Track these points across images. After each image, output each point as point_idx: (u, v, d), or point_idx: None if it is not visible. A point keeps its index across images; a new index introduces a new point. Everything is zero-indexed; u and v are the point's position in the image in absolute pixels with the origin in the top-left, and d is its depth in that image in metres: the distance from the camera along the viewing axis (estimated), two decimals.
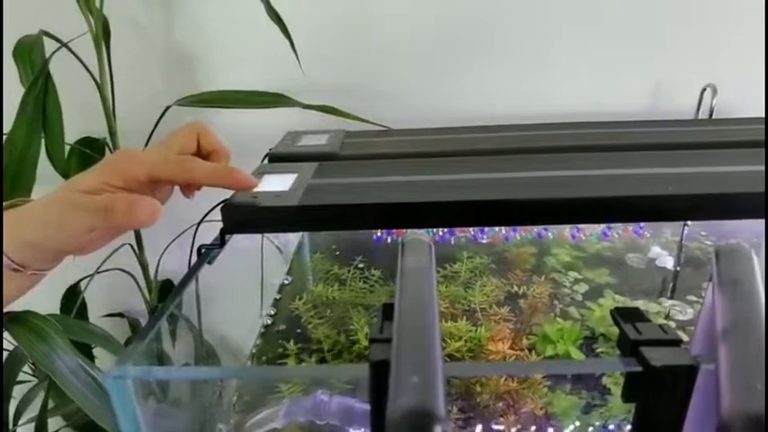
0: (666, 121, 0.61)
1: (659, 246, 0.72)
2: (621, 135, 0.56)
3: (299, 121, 0.67)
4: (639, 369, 0.25)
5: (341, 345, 0.56)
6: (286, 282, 0.71)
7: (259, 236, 0.63)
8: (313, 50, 0.68)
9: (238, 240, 0.43)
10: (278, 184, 0.42)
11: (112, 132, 0.73)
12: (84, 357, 0.52)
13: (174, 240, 0.75)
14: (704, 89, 0.70)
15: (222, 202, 0.39)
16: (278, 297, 0.67)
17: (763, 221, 0.37)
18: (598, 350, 0.54)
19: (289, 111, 0.68)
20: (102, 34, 0.67)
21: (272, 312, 0.64)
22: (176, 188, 0.42)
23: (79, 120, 0.70)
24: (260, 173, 0.45)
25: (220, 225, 0.40)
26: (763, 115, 0.61)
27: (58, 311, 0.79)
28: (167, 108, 0.69)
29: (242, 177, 0.39)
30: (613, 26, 0.73)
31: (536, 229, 0.77)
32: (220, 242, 0.40)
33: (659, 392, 0.25)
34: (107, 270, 0.76)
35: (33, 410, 0.78)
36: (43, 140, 0.63)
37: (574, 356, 0.52)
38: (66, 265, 0.39)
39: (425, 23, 0.74)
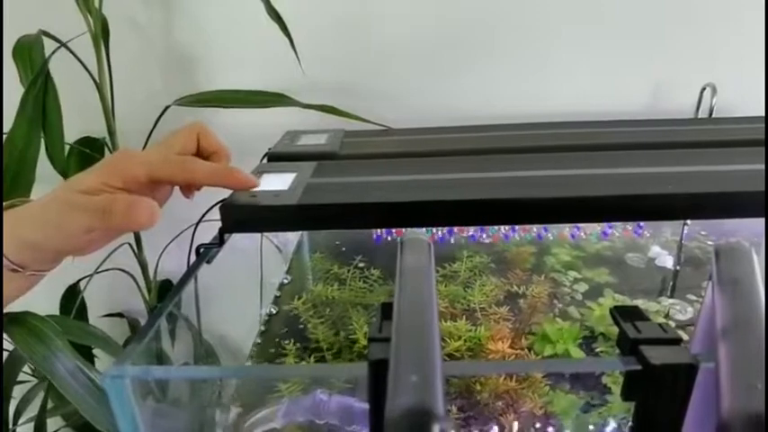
0: (666, 120, 0.61)
1: (659, 245, 0.72)
2: (621, 134, 0.56)
3: (299, 120, 0.67)
4: (639, 368, 0.25)
5: (340, 344, 0.56)
6: (285, 281, 0.71)
7: (258, 235, 0.63)
8: (313, 50, 0.68)
9: (237, 240, 0.43)
10: (277, 183, 0.42)
11: (112, 132, 0.72)
12: (83, 359, 0.52)
13: (173, 240, 0.75)
14: (704, 88, 0.70)
15: (221, 201, 0.39)
16: (277, 296, 0.67)
17: (762, 220, 0.37)
18: (598, 349, 0.54)
19: (288, 110, 0.68)
20: (102, 34, 0.67)
21: (272, 312, 0.64)
22: (176, 189, 0.42)
23: (78, 119, 0.70)
24: (259, 172, 0.45)
25: (219, 224, 0.40)
26: (763, 114, 0.60)
27: (57, 311, 0.79)
28: (167, 108, 0.69)
29: (242, 177, 0.39)
30: (613, 26, 0.73)
31: (536, 228, 0.77)
32: (219, 241, 0.40)
33: (659, 391, 0.25)
34: (106, 270, 0.76)
35: (33, 410, 0.78)
36: (42, 140, 0.63)
37: (573, 356, 0.52)
38: (66, 265, 0.39)
39: (425, 23, 0.74)
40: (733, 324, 0.24)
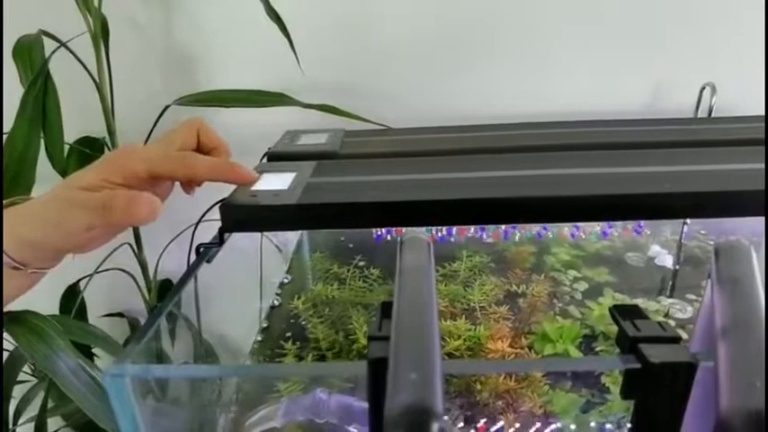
0: (666, 119, 0.61)
1: (659, 244, 0.72)
2: (621, 134, 0.56)
3: (299, 120, 0.67)
4: (638, 366, 0.25)
5: (340, 344, 0.56)
6: (285, 281, 0.71)
7: (258, 235, 0.63)
8: (312, 50, 0.68)
9: (237, 239, 0.43)
10: (277, 182, 0.42)
11: (111, 132, 0.72)
12: (85, 358, 0.52)
13: (173, 240, 0.75)
14: (703, 88, 0.70)
15: (221, 201, 0.39)
16: (277, 296, 0.67)
17: (762, 219, 0.37)
18: (597, 349, 0.54)
19: (288, 110, 0.68)
20: (101, 34, 0.67)
21: (272, 311, 0.64)
22: (176, 187, 0.42)
23: (78, 119, 0.70)
24: (259, 171, 0.45)
25: (219, 224, 0.40)
26: (763, 113, 0.61)
27: (57, 311, 0.79)
28: (166, 107, 0.69)
29: (243, 172, 0.39)
30: (613, 26, 0.73)
31: (535, 227, 0.77)
32: (219, 241, 0.40)
33: (658, 389, 0.25)
34: (106, 270, 0.76)
35: (33, 410, 0.78)
36: (42, 140, 0.63)
37: (573, 355, 0.52)
38: (66, 264, 0.39)
39: (425, 23, 0.74)
40: (732, 322, 0.24)
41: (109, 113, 0.71)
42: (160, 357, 0.34)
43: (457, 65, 0.76)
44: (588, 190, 0.38)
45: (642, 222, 0.76)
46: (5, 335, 0.74)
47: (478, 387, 0.49)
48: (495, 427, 0.46)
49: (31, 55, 0.62)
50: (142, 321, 0.91)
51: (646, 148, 0.49)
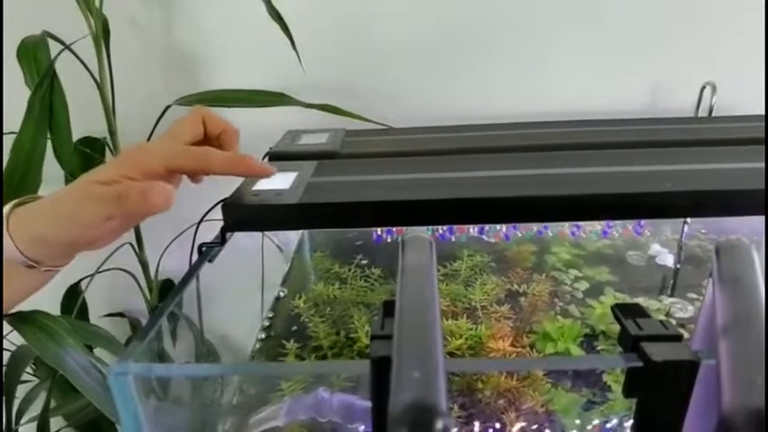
0: (666, 119, 0.61)
1: (659, 243, 0.72)
2: (621, 133, 0.56)
3: (300, 120, 0.67)
4: (640, 364, 0.25)
5: (341, 343, 0.56)
6: (286, 280, 0.71)
7: (259, 234, 0.63)
8: (313, 50, 0.68)
9: (239, 239, 0.43)
10: (278, 182, 0.42)
11: (112, 132, 0.73)
12: (93, 354, 0.53)
13: (174, 240, 0.75)
14: (704, 87, 0.70)
15: (222, 200, 0.40)
16: (278, 296, 0.67)
17: (763, 218, 0.37)
18: (598, 348, 0.54)
19: (289, 110, 0.68)
20: (102, 34, 0.67)
21: (273, 311, 0.64)
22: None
23: (79, 119, 0.70)
24: None
25: (221, 224, 0.40)
26: (763, 113, 0.61)
27: (58, 311, 0.80)
28: (167, 107, 0.69)
29: (257, 165, 0.39)
30: (613, 26, 0.73)
31: (536, 227, 0.77)
32: (221, 240, 0.40)
33: (660, 388, 0.25)
34: (107, 270, 0.76)
35: (34, 410, 0.78)
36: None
37: (574, 354, 0.52)
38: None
39: (425, 23, 0.74)
40: (734, 321, 0.24)
41: (110, 113, 0.71)
42: (162, 357, 0.34)
43: (457, 65, 0.76)
44: (589, 189, 0.39)
45: (643, 221, 0.76)
46: (8, 334, 0.74)
47: (480, 386, 0.49)
48: (496, 426, 0.46)
49: (36, 56, 0.63)
50: (143, 321, 0.91)
51: (646, 147, 0.49)
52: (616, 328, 0.28)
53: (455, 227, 0.76)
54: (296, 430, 0.47)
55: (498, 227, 0.77)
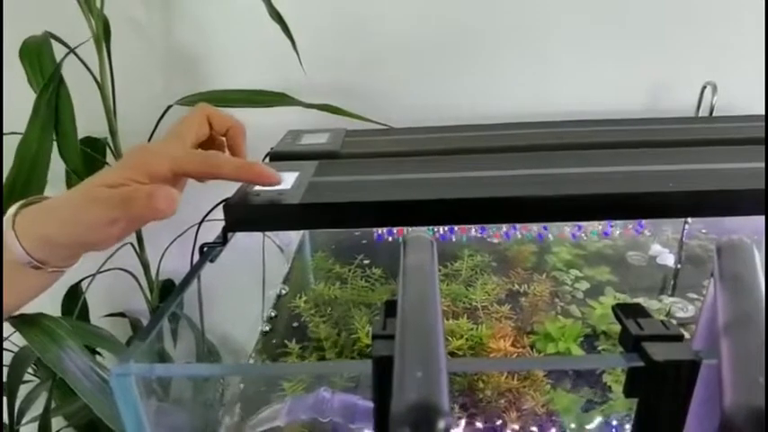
0: (667, 118, 0.61)
1: (660, 243, 0.72)
2: (622, 133, 0.56)
3: (300, 120, 0.67)
4: (642, 364, 0.25)
5: (342, 343, 0.56)
6: (287, 280, 0.71)
7: (260, 235, 0.63)
8: (314, 50, 0.68)
9: (239, 239, 0.43)
10: None
11: (113, 132, 0.73)
12: (93, 358, 0.53)
13: (175, 240, 0.75)
14: (704, 87, 0.70)
15: (224, 201, 0.40)
16: (279, 296, 0.67)
17: (763, 218, 0.37)
18: (599, 348, 0.54)
19: (289, 110, 0.68)
20: (103, 35, 0.67)
21: (274, 311, 0.64)
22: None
23: (80, 119, 0.70)
24: None
25: (221, 225, 0.40)
26: (763, 113, 0.61)
27: (59, 312, 0.80)
28: (168, 108, 0.69)
29: (266, 172, 0.38)
30: (614, 26, 0.73)
31: (536, 227, 0.77)
32: (222, 240, 0.40)
33: (661, 387, 0.25)
34: (108, 270, 0.76)
35: (35, 410, 0.78)
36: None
37: (575, 354, 0.52)
38: None
39: (426, 24, 0.74)
40: (735, 320, 0.24)
41: (111, 114, 0.71)
42: (165, 356, 0.34)
43: (457, 65, 0.76)
44: (589, 189, 0.39)
45: (643, 221, 0.76)
46: (10, 336, 0.74)
47: (481, 386, 0.49)
48: (497, 426, 0.46)
49: (39, 57, 0.62)
50: (144, 321, 0.91)
51: (647, 147, 0.49)
52: (617, 328, 0.28)
53: (456, 227, 0.76)
54: (297, 430, 0.47)
55: (499, 227, 0.77)
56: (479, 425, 0.46)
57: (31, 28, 0.66)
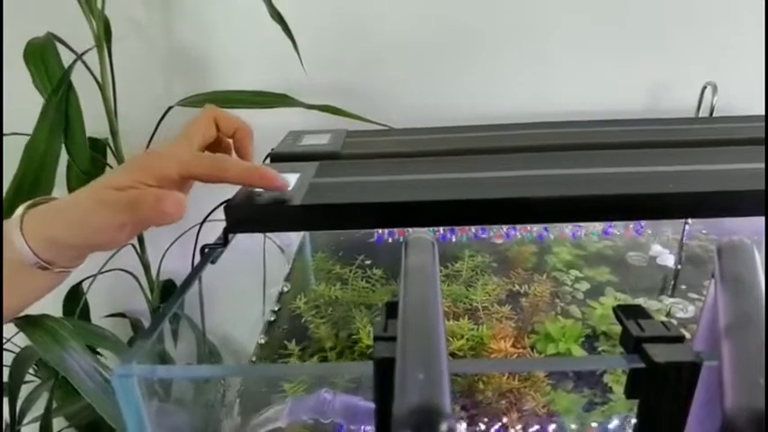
0: (667, 119, 0.61)
1: (660, 244, 0.73)
2: (622, 133, 0.56)
3: (301, 120, 0.67)
4: (643, 366, 0.25)
5: (343, 344, 0.57)
6: (288, 281, 0.71)
7: (261, 236, 0.64)
8: (315, 51, 0.68)
9: (240, 240, 0.43)
10: None
11: (114, 133, 0.73)
12: (96, 358, 0.53)
13: (175, 240, 0.76)
14: (704, 87, 0.70)
15: (225, 202, 0.40)
16: (280, 296, 0.67)
17: (763, 219, 0.37)
18: (599, 348, 0.54)
19: (290, 111, 0.68)
20: (104, 35, 0.68)
21: (275, 312, 0.64)
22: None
23: None
24: None
25: (221, 226, 0.40)
26: (764, 113, 0.61)
27: (60, 312, 0.80)
28: (169, 108, 0.69)
29: (273, 177, 0.38)
30: (614, 26, 0.73)
31: (537, 227, 0.77)
32: (224, 241, 0.40)
33: (662, 389, 0.25)
34: (109, 270, 0.76)
35: (36, 411, 0.78)
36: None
37: (576, 354, 0.52)
38: None
39: (426, 24, 0.74)
40: (736, 322, 0.24)
41: (112, 115, 0.71)
42: (166, 358, 0.34)
43: (458, 65, 0.76)
44: (589, 190, 0.39)
45: (643, 222, 0.76)
46: (9, 336, 0.74)
47: (481, 387, 0.49)
48: (497, 427, 0.46)
49: (44, 59, 0.63)
50: (144, 322, 0.91)
51: (647, 147, 0.49)
52: (617, 328, 0.28)
53: (456, 227, 0.76)
54: (298, 431, 0.47)
55: (499, 227, 0.77)
56: (480, 426, 0.46)
57: (31, 28, 0.66)
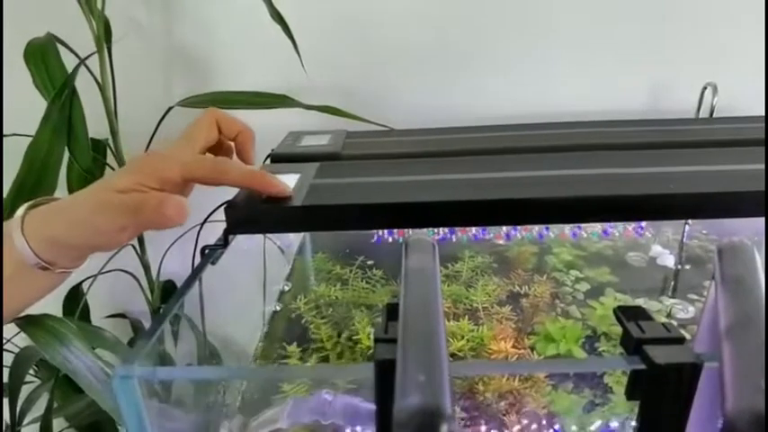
0: (667, 120, 0.61)
1: (660, 244, 0.73)
2: (622, 134, 0.56)
3: (301, 121, 0.67)
4: (643, 367, 0.25)
5: (343, 345, 0.57)
6: (288, 282, 0.71)
7: (261, 236, 0.63)
8: (315, 51, 0.68)
9: (240, 241, 0.43)
10: None
11: (114, 133, 0.73)
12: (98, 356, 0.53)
13: (175, 241, 0.76)
14: (705, 88, 0.70)
15: (225, 203, 0.40)
16: (280, 297, 0.67)
17: (764, 220, 0.37)
18: (600, 349, 0.54)
19: (290, 111, 0.68)
20: (104, 36, 0.68)
21: (275, 313, 0.64)
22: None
23: None
24: None
25: (222, 226, 0.40)
26: (764, 114, 0.61)
27: (60, 312, 0.80)
28: (169, 109, 0.69)
29: (274, 183, 0.39)
30: (614, 26, 0.73)
31: (537, 228, 0.77)
32: (224, 242, 0.40)
33: (663, 390, 0.25)
34: (109, 271, 0.76)
35: (36, 411, 0.78)
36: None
37: (576, 355, 0.52)
38: None
39: (426, 24, 0.74)
40: (736, 323, 0.24)
41: (112, 115, 0.71)
42: (167, 359, 0.34)
43: (458, 66, 0.76)
44: (590, 191, 0.39)
45: (643, 222, 0.76)
46: (9, 336, 0.74)
47: (481, 388, 0.49)
48: (498, 428, 0.46)
49: (45, 60, 0.63)
50: (144, 322, 0.91)
51: (647, 148, 0.49)
52: (617, 329, 0.28)
53: (456, 228, 0.76)
54: None
55: (499, 228, 0.77)
56: (481, 427, 0.46)
57: (31, 28, 0.66)
